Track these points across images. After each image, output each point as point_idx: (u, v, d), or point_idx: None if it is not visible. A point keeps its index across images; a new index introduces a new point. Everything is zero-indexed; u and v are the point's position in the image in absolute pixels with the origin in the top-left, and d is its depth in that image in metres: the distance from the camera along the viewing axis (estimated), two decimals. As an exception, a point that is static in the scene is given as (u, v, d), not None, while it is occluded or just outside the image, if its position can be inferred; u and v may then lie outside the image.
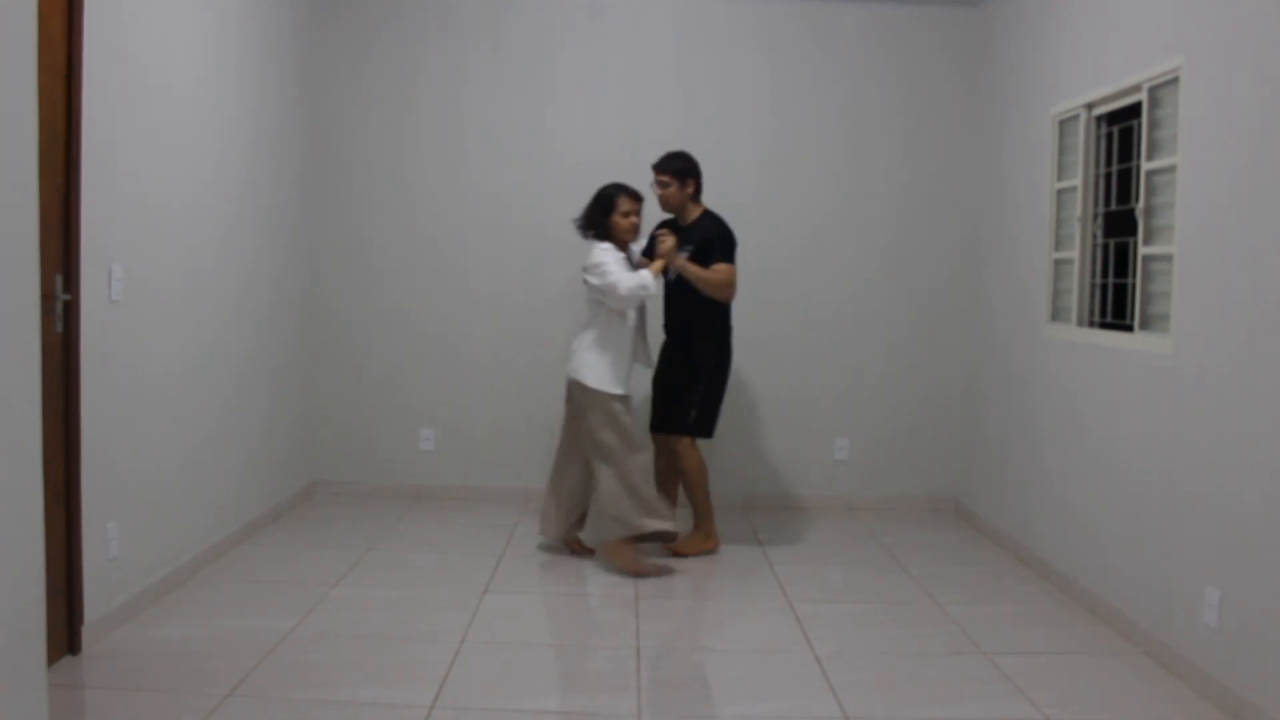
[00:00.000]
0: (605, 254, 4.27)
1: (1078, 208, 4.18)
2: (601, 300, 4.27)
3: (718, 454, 5.45)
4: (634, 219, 4.37)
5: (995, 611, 3.91)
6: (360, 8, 5.40)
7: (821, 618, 3.78)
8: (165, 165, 3.76)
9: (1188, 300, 3.30)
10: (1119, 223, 3.98)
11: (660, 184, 4.48)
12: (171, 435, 3.83)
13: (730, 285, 4.40)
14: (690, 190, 4.49)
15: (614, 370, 4.26)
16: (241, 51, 4.44)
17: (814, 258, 5.48)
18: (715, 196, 5.04)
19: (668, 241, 4.33)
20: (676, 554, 4.49)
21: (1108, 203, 4.08)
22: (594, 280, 4.25)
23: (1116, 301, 4.00)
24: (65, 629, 3.11)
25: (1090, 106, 4.08)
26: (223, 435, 4.30)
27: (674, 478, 4.64)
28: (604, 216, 4.36)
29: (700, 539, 4.54)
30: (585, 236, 4.40)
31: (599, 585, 4.14)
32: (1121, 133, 3.97)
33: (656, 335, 4.74)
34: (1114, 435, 3.76)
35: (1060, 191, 4.35)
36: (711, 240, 4.41)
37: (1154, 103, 3.61)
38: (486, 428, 5.51)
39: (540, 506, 4.68)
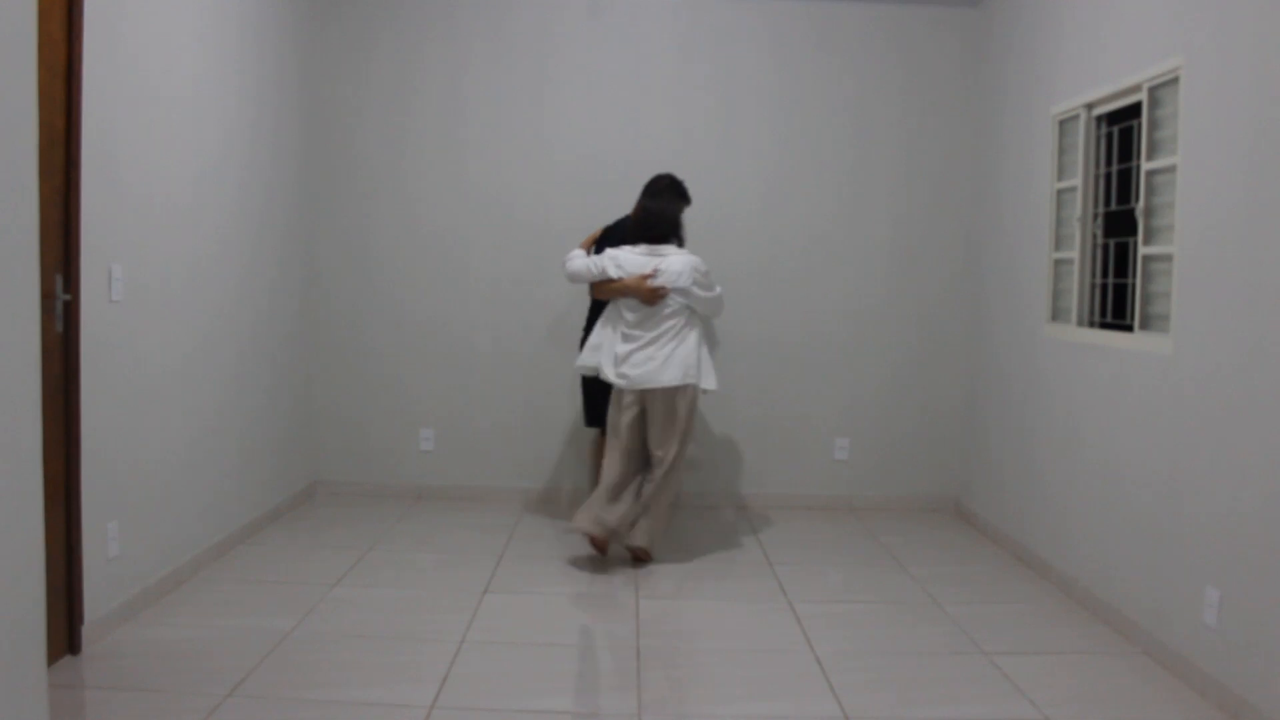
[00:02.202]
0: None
1: (1078, 208, 4.18)
2: (698, 309, 4.39)
3: (718, 454, 5.46)
4: None
5: (995, 611, 3.91)
6: (361, 6, 5.40)
7: (821, 618, 3.78)
8: (165, 165, 3.76)
9: (1188, 300, 3.30)
10: (1119, 223, 3.98)
11: None
12: (171, 435, 3.83)
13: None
14: None
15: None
16: (241, 51, 4.44)
17: (815, 257, 5.48)
18: (717, 195, 5.07)
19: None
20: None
21: (1108, 203, 4.08)
22: (711, 294, 4.39)
23: (1116, 301, 4.00)
24: (65, 629, 3.11)
25: (1090, 106, 4.08)
26: (223, 435, 4.30)
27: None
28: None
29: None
30: (678, 243, 4.46)
31: (599, 585, 4.14)
32: (1121, 133, 3.97)
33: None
34: (1114, 435, 3.76)
35: (1060, 191, 4.35)
36: None
37: (1154, 103, 3.61)
38: (486, 428, 5.51)
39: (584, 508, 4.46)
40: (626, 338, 4.33)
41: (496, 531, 4.86)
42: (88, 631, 3.21)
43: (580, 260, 4.44)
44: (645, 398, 4.30)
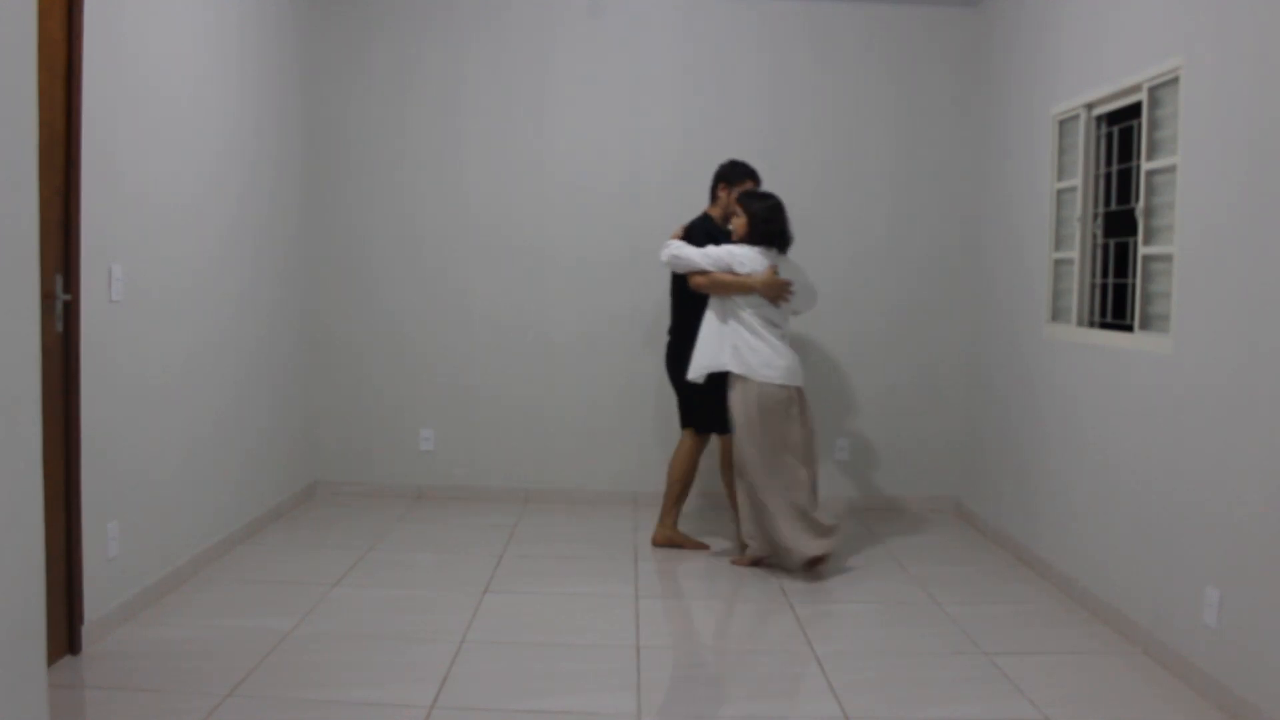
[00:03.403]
0: None
1: (1078, 208, 4.18)
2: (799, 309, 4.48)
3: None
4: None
5: (995, 611, 3.91)
6: (361, 7, 5.40)
7: (821, 618, 3.78)
8: (165, 165, 3.76)
9: (1188, 300, 3.29)
10: (1119, 223, 3.98)
11: None
12: (171, 435, 3.83)
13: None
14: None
15: None
16: (242, 51, 4.44)
17: (813, 256, 5.45)
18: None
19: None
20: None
21: (1108, 203, 4.08)
22: (813, 295, 4.54)
23: (1116, 301, 4.00)
24: (65, 629, 3.11)
25: (1090, 106, 4.08)
26: (223, 435, 4.30)
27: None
28: None
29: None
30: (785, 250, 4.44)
31: (599, 585, 4.14)
32: (1121, 133, 3.97)
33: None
34: (1114, 435, 3.76)
35: (1060, 191, 4.35)
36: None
37: (1154, 103, 3.61)
38: (486, 428, 5.51)
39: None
40: (762, 337, 4.26)
41: (496, 531, 4.86)
42: (88, 631, 3.21)
43: (692, 250, 4.32)
44: (794, 393, 4.29)
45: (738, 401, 4.24)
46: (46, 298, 2.98)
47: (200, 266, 4.06)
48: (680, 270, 4.41)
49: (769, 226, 4.34)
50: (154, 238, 3.68)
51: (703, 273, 4.31)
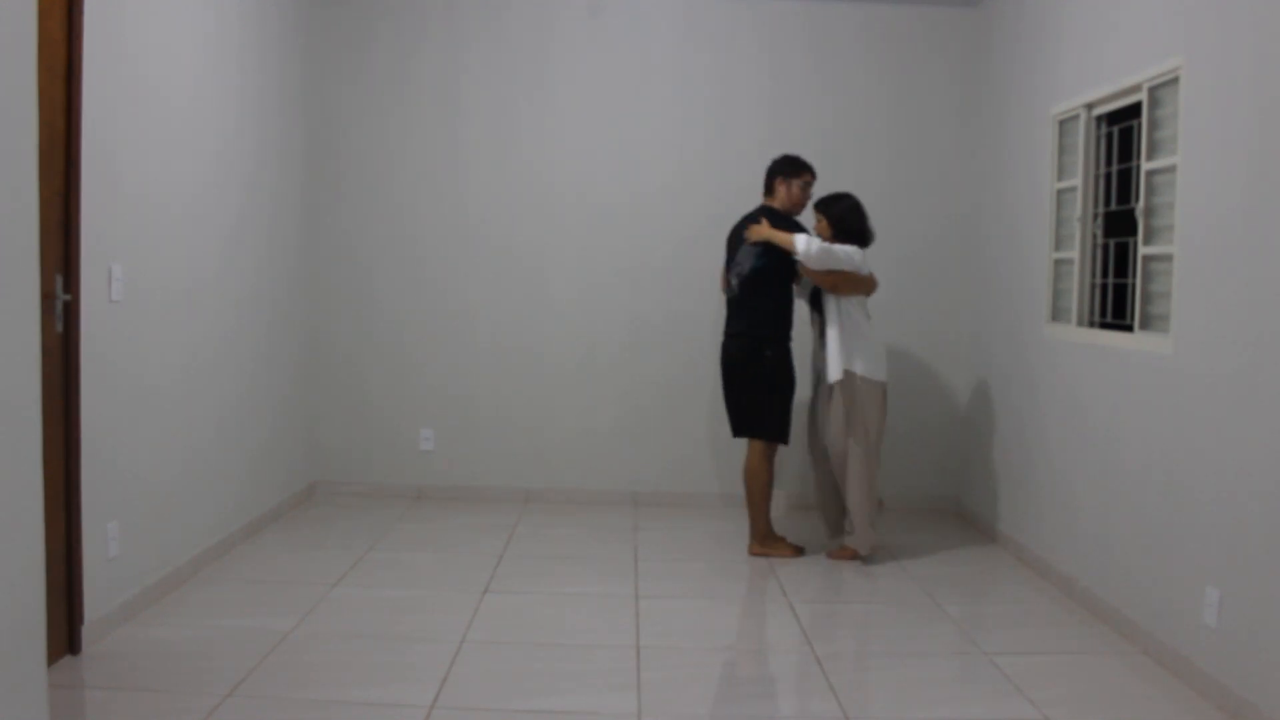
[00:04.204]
0: None
1: (1078, 208, 4.18)
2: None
3: (721, 454, 5.46)
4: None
5: (995, 611, 3.91)
6: (360, 8, 5.40)
7: (821, 618, 3.78)
8: (165, 165, 3.76)
9: (1188, 300, 3.29)
10: (1119, 223, 3.98)
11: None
12: (172, 435, 3.83)
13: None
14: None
15: None
16: (242, 51, 4.44)
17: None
18: (712, 195, 5.07)
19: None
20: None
21: (1108, 203, 4.08)
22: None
23: (1117, 301, 4.00)
24: (65, 629, 3.11)
25: (1090, 106, 4.08)
26: (223, 435, 4.30)
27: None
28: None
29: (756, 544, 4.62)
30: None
31: (599, 585, 4.14)
32: (1121, 133, 3.97)
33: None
34: (1114, 435, 3.76)
35: (1060, 191, 4.35)
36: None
37: (1154, 103, 3.61)
38: (486, 428, 5.51)
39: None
40: (870, 335, 4.41)
41: (496, 531, 4.86)
42: (88, 631, 3.21)
43: (840, 248, 4.30)
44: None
45: (861, 397, 4.34)
46: (46, 298, 2.98)
47: (201, 266, 4.06)
48: (829, 267, 4.29)
49: (852, 227, 4.42)
50: (154, 238, 3.68)
51: (840, 272, 4.34)
